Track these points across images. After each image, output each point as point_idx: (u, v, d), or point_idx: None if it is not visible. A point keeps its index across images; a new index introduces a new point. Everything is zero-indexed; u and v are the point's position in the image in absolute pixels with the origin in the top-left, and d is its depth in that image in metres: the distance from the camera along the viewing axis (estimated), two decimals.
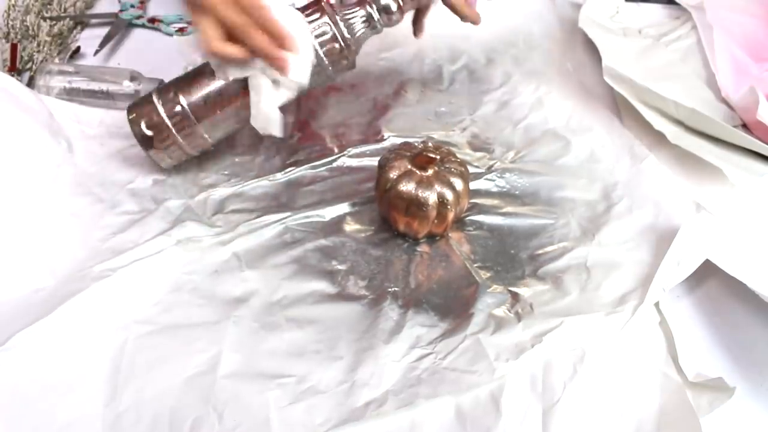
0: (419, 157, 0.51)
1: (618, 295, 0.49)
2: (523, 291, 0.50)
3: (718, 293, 0.51)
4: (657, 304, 0.48)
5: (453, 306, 0.49)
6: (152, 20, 0.75)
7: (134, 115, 0.54)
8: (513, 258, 0.53)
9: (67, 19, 0.73)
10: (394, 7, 0.56)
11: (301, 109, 0.65)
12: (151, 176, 0.58)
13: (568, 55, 0.72)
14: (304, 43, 0.51)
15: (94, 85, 0.64)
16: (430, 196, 0.50)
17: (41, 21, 0.72)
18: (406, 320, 0.48)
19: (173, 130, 0.54)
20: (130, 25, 0.75)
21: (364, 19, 0.56)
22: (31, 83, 0.66)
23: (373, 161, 0.57)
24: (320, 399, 0.43)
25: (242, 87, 0.53)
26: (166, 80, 0.57)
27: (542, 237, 0.54)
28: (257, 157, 0.61)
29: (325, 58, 0.54)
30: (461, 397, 0.44)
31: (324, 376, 0.45)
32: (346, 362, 0.45)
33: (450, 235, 0.54)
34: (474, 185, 0.57)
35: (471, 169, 0.57)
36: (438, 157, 0.52)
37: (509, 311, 0.48)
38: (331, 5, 0.55)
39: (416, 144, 0.54)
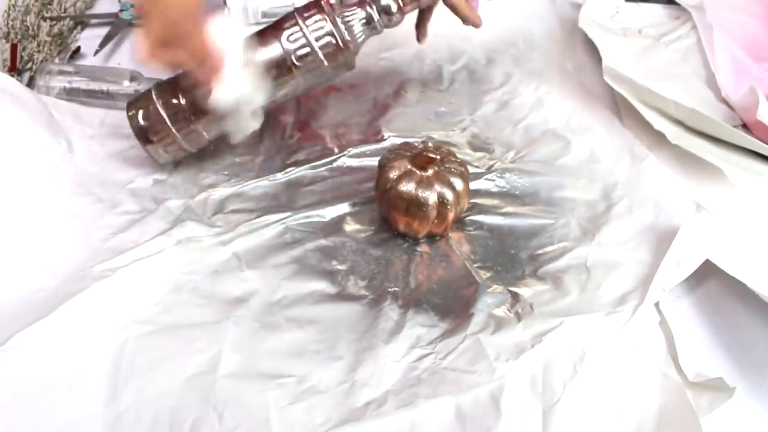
0: (419, 157, 0.51)
1: (618, 295, 0.49)
2: (523, 291, 0.50)
3: (718, 293, 0.51)
4: (657, 304, 0.49)
5: (453, 306, 0.49)
6: None
7: (133, 111, 0.55)
8: (513, 258, 0.53)
9: (67, 19, 0.73)
10: (394, 8, 0.56)
11: (301, 109, 0.65)
12: (151, 176, 0.58)
13: (568, 55, 0.72)
14: (232, 63, 0.50)
15: (94, 85, 0.64)
16: (430, 196, 0.50)
17: (41, 21, 0.72)
18: (406, 320, 0.48)
19: (171, 127, 0.54)
20: (130, 25, 0.75)
21: (363, 19, 0.56)
22: (31, 83, 0.66)
23: (373, 161, 0.58)
24: (320, 399, 0.43)
25: None
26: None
27: (542, 237, 0.54)
28: (257, 157, 0.61)
29: (324, 59, 0.54)
30: (461, 397, 0.44)
31: (324, 376, 0.45)
32: (346, 362, 0.45)
33: (450, 235, 0.54)
34: (474, 185, 0.57)
35: (471, 169, 0.57)
36: (438, 157, 0.52)
37: (509, 311, 0.48)
38: (330, 5, 0.55)
39: (416, 144, 0.54)
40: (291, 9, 0.56)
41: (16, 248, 0.51)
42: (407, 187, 0.50)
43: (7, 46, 0.68)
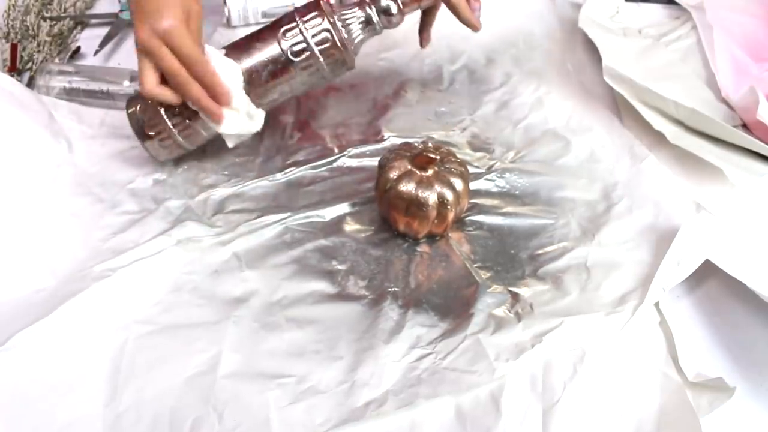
0: (419, 158, 0.51)
1: (618, 295, 0.49)
2: (523, 291, 0.50)
3: (718, 293, 0.51)
4: (657, 304, 0.48)
5: (453, 306, 0.49)
6: None
7: (132, 108, 0.55)
8: (513, 258, 0.53)
9: (67, 19, 0.73)
10: (393, 9, 0.56)
11: (301, 109, 0.65)
12: (151, 176, 0.58)
13: (568, 55, 0.72)
14: (238, 96, 0.53)
15: (94, 85, 0.64)
16: (430, 196, 0.50)
17: (41, 21, 0.72)
18: (406, 320, 0.48)
19: (168, 123, 0.54)
20: (130, 25, 0.75)
21: (363, 20, 0.56)
22: (31, 83, 0.66)
23: (373, 161, 0.57)
24: (320, 399, 0.43)
25: None
26: None
27: (542, 237, 0.54)
28: (257, 158, 0.61)
29: (322, 59, 0.54)
30: (461, 397, 0.44)
31: (324, 376, 0.45)
32: (346, 362, 0.45)
33: (450, 235, 0.54)
34: (474, 185, 0.57)
35: (471, 169, 0.57)
36: (438, 157, 0.52)
37: (509, 311, 0.48)
38: (330, 5, 0.55)
39: (416, 144, 0.54)
40: (290, 9, 0.56)
41: (16, 248, 0.51)
42: (407, 187, 0.50)
43: (7, 46, 0.68)
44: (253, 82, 0.54)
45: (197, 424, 0.42)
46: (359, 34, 0.56)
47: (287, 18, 0.54)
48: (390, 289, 0.50)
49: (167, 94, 0.51)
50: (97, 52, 0.71)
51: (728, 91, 0.65)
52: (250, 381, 0.44)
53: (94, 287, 0.48)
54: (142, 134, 0.55)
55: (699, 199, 0.55)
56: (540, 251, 0.53)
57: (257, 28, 0.56)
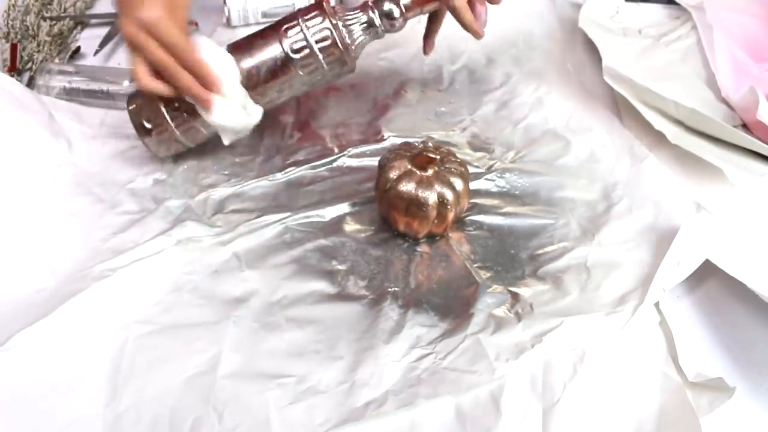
0: (419, 157, 0.51)
1: (618, 295, 0.49)
2: (523, 291, 0.50)
3: (718, 293, 0.51)
4: (657, 304, 0.48)
5: (453, 306, 0.49)
6: None
7: (133, 104, 0.56)
8: (513, 258, 0.53)
9: (67, 19, 0.73)
10: (396, 13, 0.56)
11: (301, 109, 0.65)
12: (151, 176, 0.58)
13: (568, 55, 0.72)
14: (231, 85, 0.52)
15: (94, 85, 0.64)
16: (430, 196, 0.50)
17: (41, 21, 0.72)
18: (406, 320, 0.48)
19: (169, 120, 0.54)
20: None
21: (365, 23, 0.56)
22: (31, 83, 0.66)
23: (373, 161, 0.57)
24: (320, 399, 0.43)
25: None
26: None
27: (542, 237, 0.54)
28: (257, 158, 0.61)
29: (323, 60, 0.54)
30: (461, 397, 0.44)
31: (324, 376, 0.45)
32: (346, 362, 0.45)
33: (450, 235, 0.54)
34: (474, 185, 0.57)
35: (471, 169, 0.57)
36: (438, 157, 0.52)
37: (509, 311, 0.48)
38: (333, 8, 0.55)
39: (416, 144, 0.54)
40: (292, 9, 0.56)
41: (16, 248, 0.51)
42: (407, 187, 0.50)
43: (7, 46, 0.68)
44: (254, 79, 0.54)
45: (197, 424, 0.42)
46: (361, 36, 0.56)
47: (289, 17, 0.55)
48: (390, 289, 0.50)
49: (160, 87, 0.51)
50: (97, 52, 0.71)
51: (728, 91, 0.65)
52: (250, 381, 0.44)
53: (94, 287, 0.48)
54: (141, 129, 0.56)
55: (699, 199, 0.55)
56: (540, 251, 0.53)
57: (257, 28, 0.56)
